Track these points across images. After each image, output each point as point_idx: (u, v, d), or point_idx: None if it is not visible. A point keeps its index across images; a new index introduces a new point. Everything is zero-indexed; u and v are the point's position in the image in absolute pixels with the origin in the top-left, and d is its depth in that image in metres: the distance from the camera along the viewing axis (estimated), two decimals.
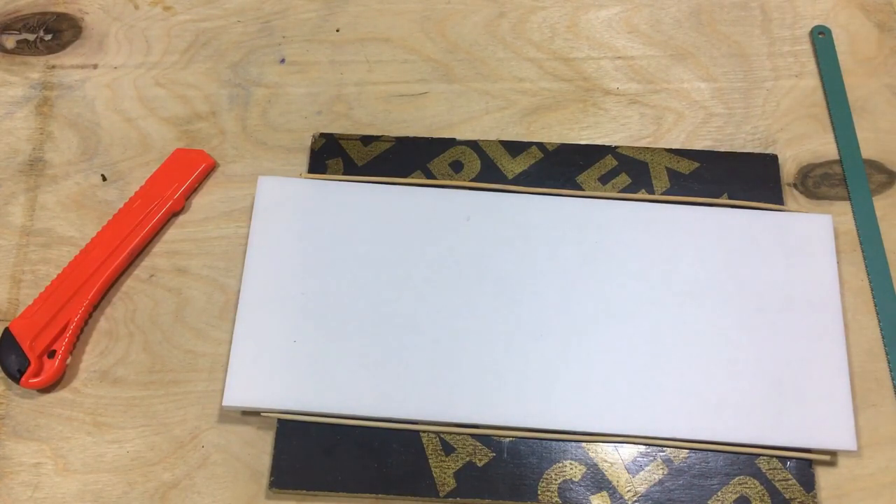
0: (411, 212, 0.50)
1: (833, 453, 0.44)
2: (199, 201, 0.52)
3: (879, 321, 0.48)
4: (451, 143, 0.53)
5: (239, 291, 0.48)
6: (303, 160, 0.53)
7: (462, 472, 0.44)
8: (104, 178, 0.52)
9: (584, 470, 0.44)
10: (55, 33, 0.57)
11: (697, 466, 0.44)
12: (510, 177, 0.51)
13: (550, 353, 0.46)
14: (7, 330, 0.47)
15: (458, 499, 0.43)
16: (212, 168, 0.52)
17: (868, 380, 0.46)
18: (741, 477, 0.44)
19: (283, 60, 0.56)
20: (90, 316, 0.48)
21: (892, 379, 0.46)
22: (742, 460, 0.44)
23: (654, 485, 0.43)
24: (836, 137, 0.53)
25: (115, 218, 0.50)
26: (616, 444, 0.44)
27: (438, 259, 0.48)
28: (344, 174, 0.52)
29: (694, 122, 0.53)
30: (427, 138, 0.53)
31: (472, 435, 0.45)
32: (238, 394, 0.45)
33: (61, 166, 0.53)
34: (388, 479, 0.44)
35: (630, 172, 0.51)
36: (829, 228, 0.49)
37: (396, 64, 0.56)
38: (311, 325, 0.47)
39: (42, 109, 0.55)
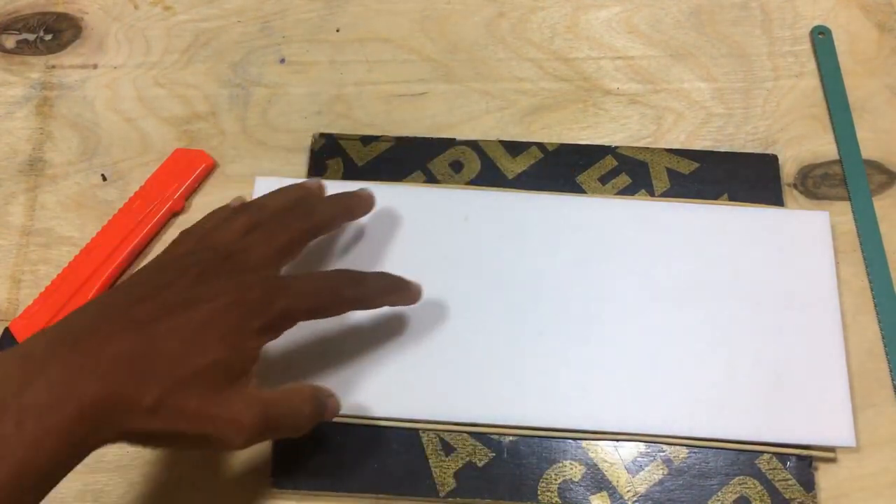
0: (410, 212, 0.50)
1: (832, 450, 0.44)
2: (199, 201, 0.52)
3: (879, 321, 0.48)
4: (451, 143, 0.53)
5: None
6: (303, 160, 0.53)
7: (462, 472, 0.44)
8: (104, 178, 0.52)
9: (584, 470, 0.44)
10: (55, 33, 0.57)
11: (697, 466, 0.44)
12: (510, 177, 0.51)
13: (550, 352, 0.46)
14: (7, 330, 0.47)
15: (458, 499, 0.43)
16: (212, 168, 0.53)
17: (868, 380, 0.46)
18: (741, 477, 0.44)
19: (283, 60, 0.56)
20: None
21: (892, 379, 0.46)
22: (742, 460, 0.44)
23: (654, 485, 0.44)
24: (836, 137, 0.53)
25: (115, 218, 0.50)
26: (616, 444, 0.44)
27: (437, 259, 0.48)
28: (344, 174, 0.52)
29: (694, 123, 0.53)
30: (427, 138, 0.53)
31: (472, 435, 0.45)
32: None
33: (61, 166, 0.53)
34: (388, 479, 0.44)
35: (630, 172, 0.51)
36: (825, 224, 0.49)
37: (396, 64, 0.56)
38: (308, 326, 0.47)
39: (42, 109, 0.55)
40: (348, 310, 0.43)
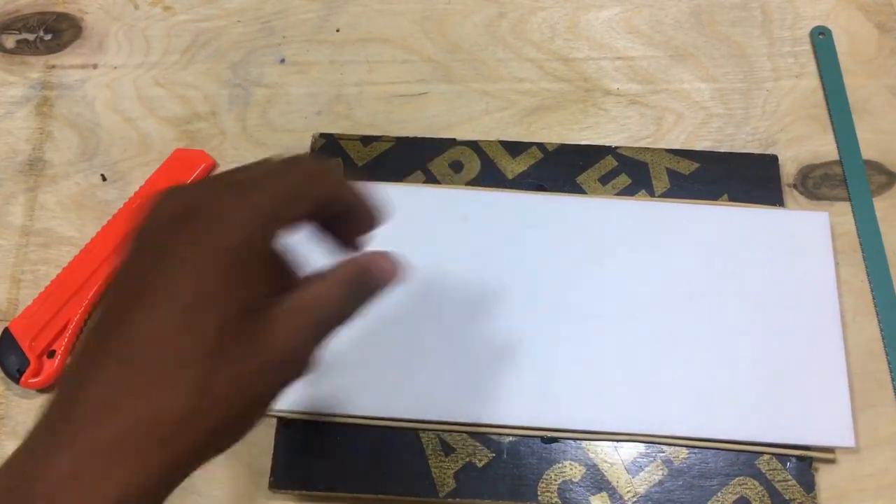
0: (410, 212, 0.50)
1: (832, 450, 0.44)
2: None
3: (879, 322, 0.48)
4: (451, 143, 0.53)
5: None
6: None
7: (462, 472, 0.44)
8: (104, 178, 0.52)
9: (584, 470, 0.44)
10: (55, 33, 0.57)
11: (697, 467, 0.44)
12: (510, 177, 0.51)
13: (549, 352, 0.46)
14: (7, 330, 0.47)
15: (457, 499, 0.43)
16: (212, 168, 0.52)
17: (868, 381, 0.46)
18: (741, 478, 0.44)
19: (283, 60, 0.56)
20: (90, 316, 0.48)
21: (893, 380, 0.46)
22: (742, 461, 0.44)
23: (654, 485, 0.43)
24: (836, 138, 0.53)
25: (115, 218, 0.50)
26: (616, 445, 0.44)
27: (437, 259, 0.48)
28: (344, 174, 0.51)
29: (694, 123, 0.53)
30: (427, 138, 0.53)
31: (472, 435, 0.45)
32: None
33: (61, 166, 0.53)
34: (388, 479, 0.44)
35: (630, 173, 0.51)
36: (825, 225, 0.49)
37: (396, 64, 0.56)
38: None
39: (42, 109, 0.55)
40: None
